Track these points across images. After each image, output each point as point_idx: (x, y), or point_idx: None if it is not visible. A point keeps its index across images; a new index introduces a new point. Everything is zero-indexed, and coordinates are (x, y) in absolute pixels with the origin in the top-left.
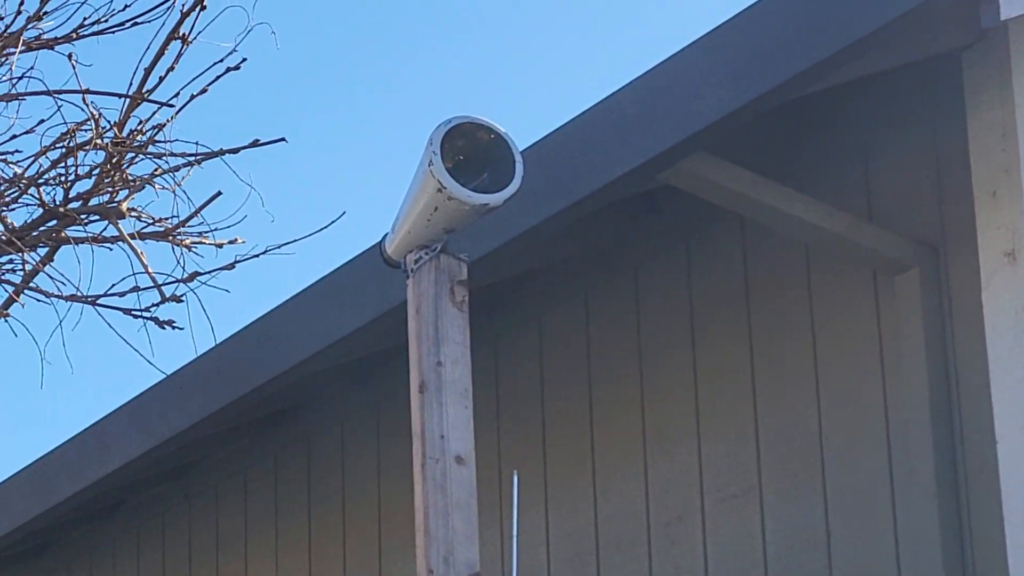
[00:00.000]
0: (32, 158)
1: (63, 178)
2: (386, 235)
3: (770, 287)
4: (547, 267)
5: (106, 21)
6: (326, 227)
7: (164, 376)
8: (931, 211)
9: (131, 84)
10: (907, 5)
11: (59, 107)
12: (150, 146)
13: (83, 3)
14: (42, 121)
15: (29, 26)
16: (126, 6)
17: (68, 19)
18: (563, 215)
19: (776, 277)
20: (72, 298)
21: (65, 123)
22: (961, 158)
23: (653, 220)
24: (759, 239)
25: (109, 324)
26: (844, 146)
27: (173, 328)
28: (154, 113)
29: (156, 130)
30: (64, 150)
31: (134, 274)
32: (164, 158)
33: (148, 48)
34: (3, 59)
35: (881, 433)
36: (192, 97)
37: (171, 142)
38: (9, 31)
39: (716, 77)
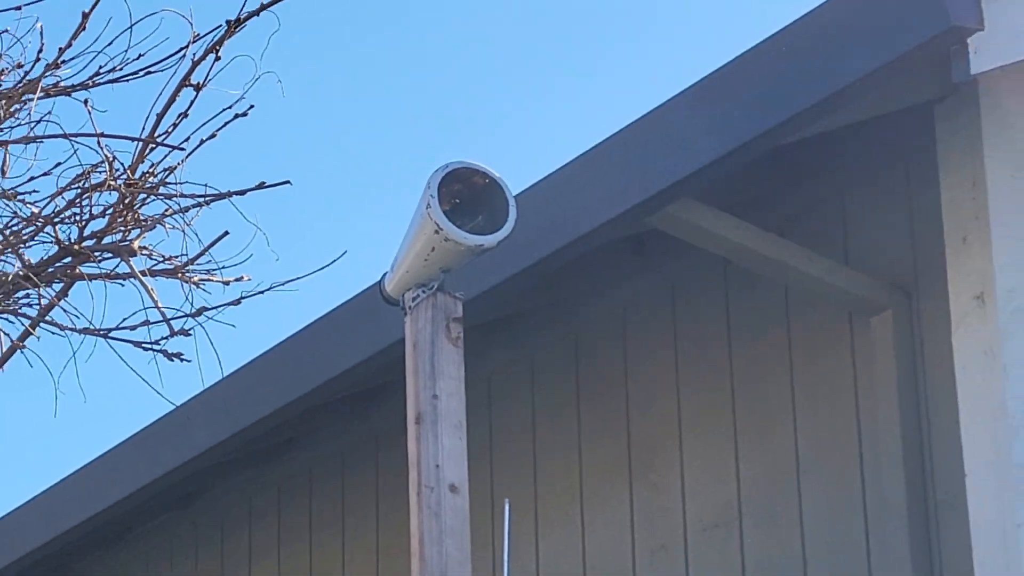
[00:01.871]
0: (49, 198)
1: (78, 217)
2: (385, 274)
3: (751, 328)
4: (539, 307)
5: (121, 69)
6: (328, 266)
7: (172, 407)
8: (904, 255)
9: (144, 129)
10: (884, 59)
11: (75, 150)
12: (161, 188)
13: (99, 52)
14: (59, 164)
15: (47, 73)
16: (140, 55)
17: (85, 67)
18: (555, 256)
19: (757, 319)
20: (85, 331)
21: (80, 165)
22: (933, 205)
23: (641, 263)
24: (741, 282)
25: (120, 356)
26: (823, 193)
27: (181, 361)
28: (165, 156)
29: (167, 172)
30: (79, 191)
31: (144, 309)
32: (174, 199)
33: (160, 95)
34: (22, 104)
35: (855, 467)
36: (202, 142)
37: (181, 184)
38: (28, 78)
39: (703, 126)
